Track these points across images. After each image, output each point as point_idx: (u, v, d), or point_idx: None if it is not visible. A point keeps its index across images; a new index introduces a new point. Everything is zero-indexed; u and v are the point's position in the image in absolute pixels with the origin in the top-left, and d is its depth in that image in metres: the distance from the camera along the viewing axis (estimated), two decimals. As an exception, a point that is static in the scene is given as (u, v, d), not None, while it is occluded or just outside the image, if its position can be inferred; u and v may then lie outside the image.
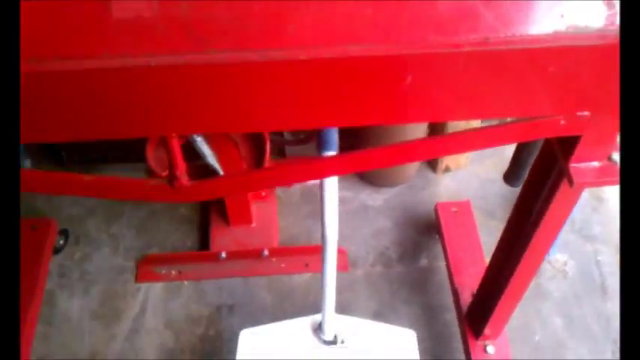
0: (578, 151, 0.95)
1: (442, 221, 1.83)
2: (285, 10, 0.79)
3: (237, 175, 1.03)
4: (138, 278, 1.96)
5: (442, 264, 1.86)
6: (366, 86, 0.81)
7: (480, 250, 1.74)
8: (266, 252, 1.90)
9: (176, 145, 0.90)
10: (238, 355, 1.46)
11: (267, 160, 1.44)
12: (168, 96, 0.82)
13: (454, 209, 1.85)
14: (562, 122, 0.86)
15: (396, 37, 0.78)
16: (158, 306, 1.90)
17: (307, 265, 1.92)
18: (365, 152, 0.97)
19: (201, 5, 0.80)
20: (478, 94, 0.83)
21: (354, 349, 1.43)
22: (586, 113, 0.86)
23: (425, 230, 1.98)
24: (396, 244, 1.97)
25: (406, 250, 1.95)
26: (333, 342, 1.44)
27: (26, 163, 2.17)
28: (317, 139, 1.04)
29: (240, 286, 1.92)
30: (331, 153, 1.05)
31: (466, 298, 1.61)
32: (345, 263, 1.92)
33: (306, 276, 1.91)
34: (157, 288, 1.94)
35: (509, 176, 1.17)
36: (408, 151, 0.98)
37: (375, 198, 2.08)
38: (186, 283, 1.94)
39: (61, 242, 2.03)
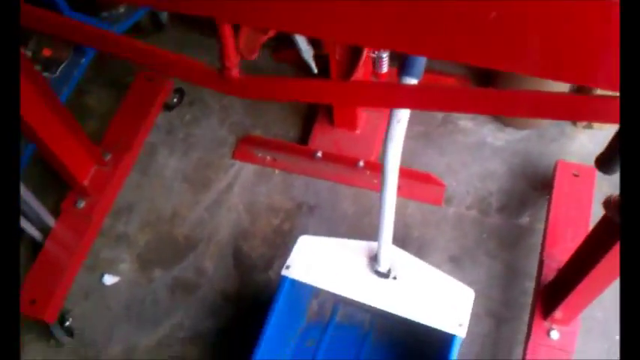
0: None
1: (557, 182, 1.61)
2: None
3: (293, 81, 0.93)
4: (235, 155, 1.95)
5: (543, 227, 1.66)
6: (446, 13, 0.66)
7: (587, 225, 1.52)
8: (361, 163, 1.81)
9: (228, 32, 0.80)
10: (290, 258, 1.41)
11: (358, 70, 1.30)
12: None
13: (575, 173, 1.62)
14: None
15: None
16: (245, 187, 1.90)
17: (399, 187, 1.80)
18: (449, 91, 0.82)
19: None
20: (578, 53, 0.64)
21: (403, 288, 1.33)
22: None
23: (539, 186, 1.77)
24: (502, 193, 1.78)
25: (510, 201, 1.77)
26: (385, 275, 1.35)
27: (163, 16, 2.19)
28: (399, 61, 0.90)
29: (326, 189, 1.85)
30: (412, 81, 0.90)
31: (549, 272, 1.43)
32: (439, 197, 1.78)
33: (395, 199, 1.80)
34: (249, 169, 1.93)
35: (604, 162, 0.94)
36: (503, 102, 0.81)
37: (497, 136, 1.88)
38: (277, 171, 1.91)
39: (175, 100, 2.06)
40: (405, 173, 1.80)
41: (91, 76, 2.14)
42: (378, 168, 1.82)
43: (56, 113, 1.55)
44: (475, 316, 1.61)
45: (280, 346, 1.55)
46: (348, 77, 1.24)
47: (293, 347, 1.59)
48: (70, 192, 1.78)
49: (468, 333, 1.57)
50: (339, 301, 1.62)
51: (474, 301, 1.53)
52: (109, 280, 1.81)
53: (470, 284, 1.62)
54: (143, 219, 1.88)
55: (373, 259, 1.37)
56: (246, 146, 1.95)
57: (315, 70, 1.41)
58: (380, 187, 1.78)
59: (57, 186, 1.84)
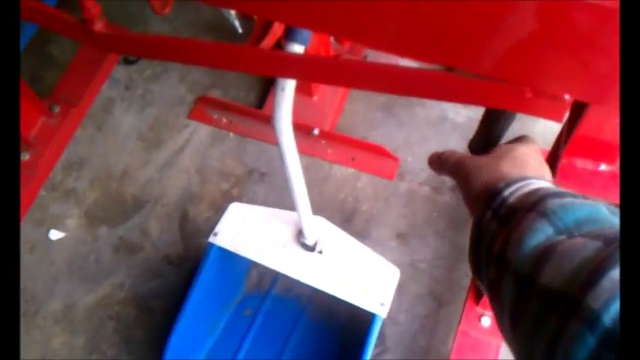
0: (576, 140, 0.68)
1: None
2: None
3: (167, 40, 0.85)
4: (191, 114, 1.90)
5: (496, 209, 1.60)
6: None
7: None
8: (316, 131, 1.75)
9: None
10: (219, 225, 1.37)
11: (271, 37, 1.21)
12: None
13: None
14: (528, 96, 0.60)
15: None
16: (198, 149, 1.85)
17: (354, 159, 1.75)
18: (347, 62, 0.76)
19: None
20: (410, 19, 0.58)
21: (327, 262, 1.28)
22: (567, 97, 0.59)
23: (497, 166, 1.71)
24: (457, 171, 1.72)
25: (465, 180, 1.70)
26: (311, 248, 1.30)
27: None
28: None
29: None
30: (298, 48, 0.83)
31: (486, 257, 1.37)
32: (392, 171, 1.72)
33: (348, 170, 1.75)
34: (203, 130, 1.87)
35: (476, 145, 0.88)
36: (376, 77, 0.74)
37: (459, 112, 1.81)
38: (232, 135, 1.85)
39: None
40: (359, 145, 1.74)
41: (57, 26, 2.08)
42: (333, 137, 1.77)
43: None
44: (417, 296, 1.58)
45: (213, 312, 1.52)
46: (260, 42, 1.17)
47: (229, 315, 1.57)
48: (16, 143, 1.74)
49: (409, 312, 1.54)
50: (278, 273, 1.59)
51: (418, 280, 1.49)
52: (55, 235, 1.78)
53: (415, 263, 1.59)
54: (94, 175, 1.84)
55: (301, 231, 1.32)
56: (202, 107, 1.89)
57: (240, 30, 1.33)
58: (333, 157, 1.73)
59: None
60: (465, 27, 0.57)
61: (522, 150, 0.63)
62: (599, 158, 0.73)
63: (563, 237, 0.48)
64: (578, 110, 0.63)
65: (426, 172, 1.72)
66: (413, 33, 0.61)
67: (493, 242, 0.54)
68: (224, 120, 1.86)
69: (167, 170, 1.82)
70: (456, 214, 1.65)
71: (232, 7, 1.14)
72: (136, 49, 0.84)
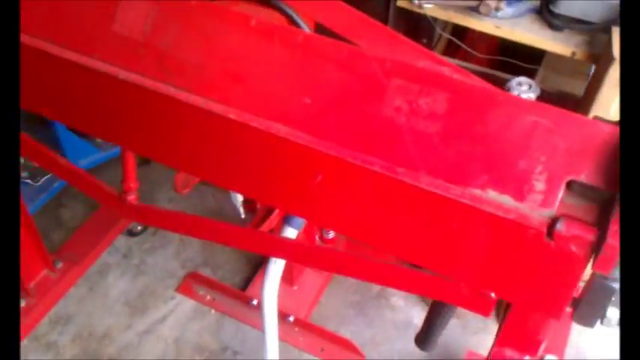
0: (502, 333, 0.85)
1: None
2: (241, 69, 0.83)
3: (186, 217, 1.06)
4: (179, 288, 2.05)
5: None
6: (279, 168, 0.81)
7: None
8: (291, 318, 1.89)
9: (130, 158, 0.96)
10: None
11: (269, 223, 1.43)
12: (126, 109, 0.89)
13: None
14: (464, 292, 0.78)
15: (324, 131, 0.78)
16: (179, 321, 1.97)
17: (323, 350, 1.87)
18: (322, 251, 0.95)
19: (180, 43, 0.86)
20: (380, 223, 0.78)
21: None
22: (492, 295, 0.77)
23: (455, 375, 1.83)
24: (418, 374, 1.84)
25: (423, 384, 1.81)
26: None
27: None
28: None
29: (254, 338, 1.92)
30: (291, 233, 1.03)
31: None
32: (355, 367, 1.84)
33: None
34: (187, 304, 2.01)
35: (421, 339, 1.06)
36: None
37: (422, 318, 1.96)
38: (213, 311, 1.99)
39: (139, 228, 2.20)
40: (329, 337, 1.88)
41: (74, 192, 2.31)
42: (306, 326, 1.91)
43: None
44: None
45: None
46: (259, 227, 1.37)
47: None
48: (13, 291, 1.87)
49: None
50: None
51: None
52: (26, 386, 1.83)
53: None
54: (76, 332, 1.94)
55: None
56: (191, 282, 2.05)
57: (243, 216, 1.55)
58: (304, 345, 1.85)
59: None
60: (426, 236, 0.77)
61: None
62: (523, 350, 0.88)
63: None
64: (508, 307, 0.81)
65: (388, 371, 1.84)
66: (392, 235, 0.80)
67: None
68: (208, 297, 2.01)
69: (147, 337, 1.93)
70: (412, 415, 1.74)
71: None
72: (163, 222, 1.03)
